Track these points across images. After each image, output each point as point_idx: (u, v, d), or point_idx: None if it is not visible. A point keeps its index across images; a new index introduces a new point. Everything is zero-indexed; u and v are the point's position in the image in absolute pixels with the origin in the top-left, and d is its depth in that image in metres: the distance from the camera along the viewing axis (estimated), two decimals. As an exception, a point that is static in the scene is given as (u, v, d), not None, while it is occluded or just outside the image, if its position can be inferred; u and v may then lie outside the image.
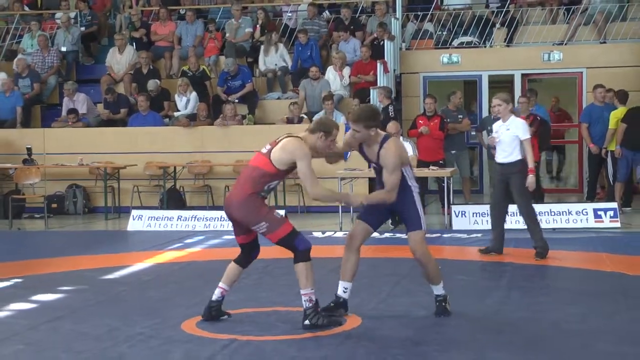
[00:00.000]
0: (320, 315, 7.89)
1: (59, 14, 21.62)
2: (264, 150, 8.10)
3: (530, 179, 11.72)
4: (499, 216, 12.23)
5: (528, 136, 11.83)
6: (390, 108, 16.66)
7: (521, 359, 7.06)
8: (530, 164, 11.73)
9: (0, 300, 9.72)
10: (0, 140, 18.39)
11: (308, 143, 7.92)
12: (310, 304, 7.86)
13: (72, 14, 21.69)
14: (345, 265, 8.41)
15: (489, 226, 14.63)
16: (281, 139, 7.99)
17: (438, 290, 8.62)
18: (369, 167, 8.65)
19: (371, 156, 8.30)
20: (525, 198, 12.04)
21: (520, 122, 12.12)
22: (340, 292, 8.43)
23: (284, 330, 7.95)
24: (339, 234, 14.47)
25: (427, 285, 10.20)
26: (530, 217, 12.13)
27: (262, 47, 19.73)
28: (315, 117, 8.14)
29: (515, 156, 11.65)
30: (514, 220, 14.75)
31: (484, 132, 16.96)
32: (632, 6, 20.00)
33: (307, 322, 7.83)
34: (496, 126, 12.18)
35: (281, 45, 19.78)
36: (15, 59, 20.41)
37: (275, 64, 19.51)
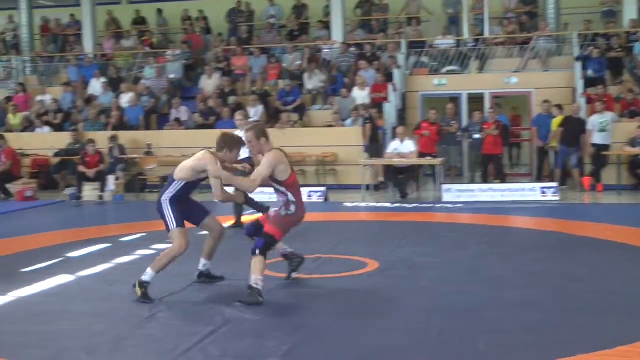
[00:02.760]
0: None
1: (169, 52, 21.70)
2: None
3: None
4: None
5: None
6: (367, 115, 16.87)
7: (491, 292, 7.07)
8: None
9: (131, 248, 9.89)
10: (130, 139, 18.48)
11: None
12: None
13: (177, 52, 21.77)
14: None
15: (468, 199, 14.69)
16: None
17: None
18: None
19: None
20: None
21: None
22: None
23: (323, 271, 7.97)
24: (362, 204, 14.49)
25: (423, 239, 10.23)
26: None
27: (306, 73, 19.71)
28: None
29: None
30: (489, 196, 14.84)
31: (466, 134, 17.05)
32: (564, 46, 19.84)
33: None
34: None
35: (318, 72, 19.74)
36: (139, 83, 20.56)
37: (317, 85, 19.50)
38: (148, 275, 7.06)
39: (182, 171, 7.21)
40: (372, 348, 5.43)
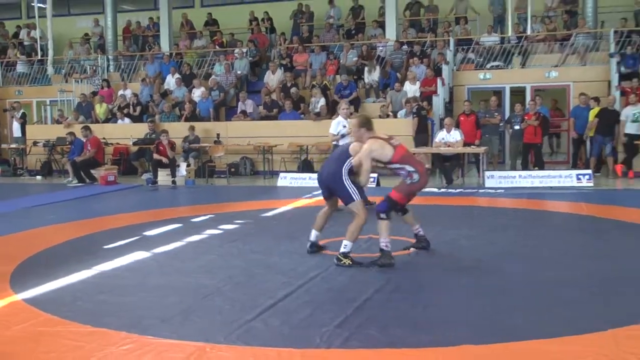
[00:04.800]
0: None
1: (237, 50, 21.80)
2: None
3: None
4: None
5: None
6: (415, 108, 16.61)
7: (529, 271, 6.99)
8: None
9: (201, 228, 9.97)
10: (201, 129, 18.60)
11: None
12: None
13: (244, 50, 21.86)
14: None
15: (509, 185, 14.53)
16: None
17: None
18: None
19: None
20: None
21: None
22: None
23: (375, 250, 7.88)
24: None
25: (466, 222, 10.12)
26: None
27: (367, 68, 19.65)
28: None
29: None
30: (528, 182, 14.63)
31: (508, 125, 16.83)
32: (601, 42, 19.39)
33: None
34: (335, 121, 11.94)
35: (378, 68, 19.65)
36: (210, 79, 20.71)
37: (373, 80, 19.43)
38: (348, 246, 7.27)
39: (355, 150, 7.35)
40: (417, 322, 5.40)
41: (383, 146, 7.25)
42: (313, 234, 7.87)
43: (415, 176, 7.25)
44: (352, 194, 7.29)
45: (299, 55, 21.12)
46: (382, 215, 7.17)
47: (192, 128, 18.07)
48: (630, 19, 20.40)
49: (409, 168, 7.27)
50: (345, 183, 7.30)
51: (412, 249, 7.94)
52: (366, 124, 7.40)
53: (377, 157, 7.24)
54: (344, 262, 7.20)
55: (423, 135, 16.44)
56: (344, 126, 11.64)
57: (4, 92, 23.89)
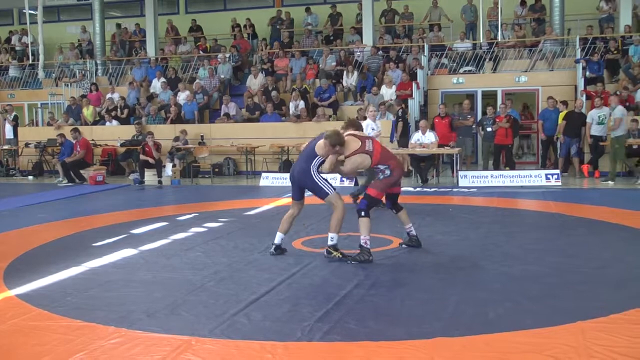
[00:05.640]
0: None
1: (220, 55, 21.74)
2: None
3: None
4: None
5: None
6: (400, 112, 16.37)
7: (501, 267, 7.01)
8: None
9: (186, 226, 9.94)
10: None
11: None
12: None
13: (227, 55, 21.80)
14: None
15: (482, 184, 14.59)
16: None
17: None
18: None
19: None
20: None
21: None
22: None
23: (354, 247, 7.85)
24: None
25: (441, 219, 10.14)
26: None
27: (345, 72, 19.70)
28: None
29: None
30: (500, 181, 14.70)
31: (480, 127, 16.88)
32: (568, 48, 19.52)
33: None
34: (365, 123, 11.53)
35: (356, 72, 19.67)
36: (194, 82, 20.64)
37: (351, 83, 19.45)
38: (334, 238, 7.31)
39: (321, 149, 7.33)
40: (394, 316, 5.42)
41: (365, 159, 7.31)
42: (278, 237, 7.74)
43: (387, 172, 7.35)
44: (325, 189, 7.31)
45: (279, 60, 21.10)
46: (362, 213, 7.21)
47: (184, 132, 17.99)
48: (595, 26, 20.56)
49: (382, 166, 7.35)
50: (316, 179, 7.32)
51: (402, 245, 8.04)
52: (338, 141, 7.19)
53: (364, 166, 7.46)
54: (335, 255, 7.28)
55: (403, 137, 16.48)
56: (373, 129, 11.66)
57: (-4, 96, 23.72)
